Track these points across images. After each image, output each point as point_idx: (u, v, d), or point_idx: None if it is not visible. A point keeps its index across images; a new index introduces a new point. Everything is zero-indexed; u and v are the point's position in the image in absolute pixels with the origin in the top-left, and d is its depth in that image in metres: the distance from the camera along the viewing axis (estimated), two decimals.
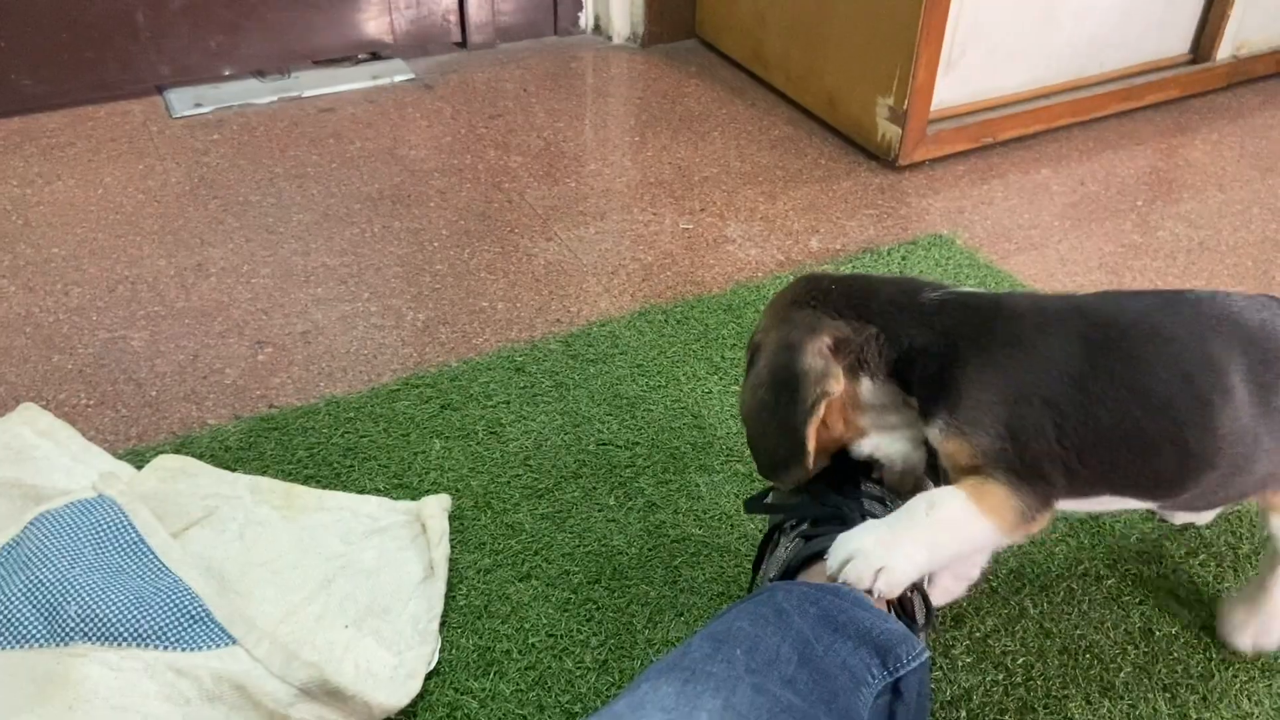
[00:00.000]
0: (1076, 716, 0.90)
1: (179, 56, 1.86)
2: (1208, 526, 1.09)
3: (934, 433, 0.80)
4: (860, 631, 0.72)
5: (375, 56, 2.04)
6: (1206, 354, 0.79)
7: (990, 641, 0.96)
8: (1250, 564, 1.05)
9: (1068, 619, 0.99)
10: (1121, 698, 0.92)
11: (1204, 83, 1.97)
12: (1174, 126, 1.90)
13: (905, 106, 1.66)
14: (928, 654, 0.75)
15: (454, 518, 1.06)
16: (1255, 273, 1.51)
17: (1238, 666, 0.95)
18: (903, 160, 1.72)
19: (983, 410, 0.78)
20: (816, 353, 0.81)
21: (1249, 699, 0.92)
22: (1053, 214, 1.64)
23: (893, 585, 0.77)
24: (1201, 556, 1.06)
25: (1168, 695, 0.92)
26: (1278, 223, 1.63)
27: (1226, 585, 1.02)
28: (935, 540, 0.77)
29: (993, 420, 0.78)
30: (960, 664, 0.94)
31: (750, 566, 1.03)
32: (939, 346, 0.80)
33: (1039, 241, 1.57)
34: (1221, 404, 0.78)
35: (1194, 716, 0.90)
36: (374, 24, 2.01)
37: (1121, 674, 0.94)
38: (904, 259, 1.51)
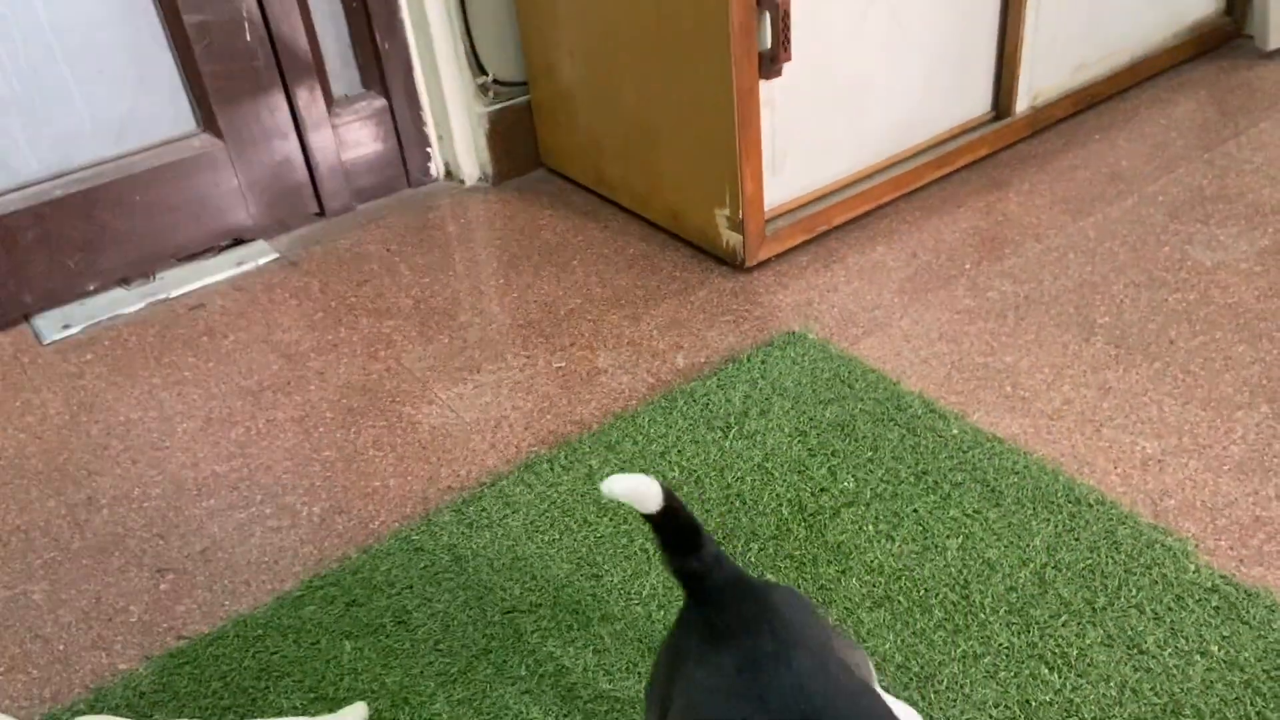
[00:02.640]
0: None
1: (40, 282, 1.89)
2: None
3: None
4: None
5: (238, 241, 2.10)
6: None
7: None
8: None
9: None
10: None
11: (1009, 136, 2.14)
12: (989, 183, 2.06)
13: (741, 215, 1.77)
14: None
15: None
16: (1077, 319, 1.65)
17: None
18: (749, 261, 1.83)
19: None
20: None
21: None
22: (891, 291, 1.77)
23: None
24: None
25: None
26: (1092, 265, 1.78)
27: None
28: None
29: None
30: None
31: None
32: None
33: (883, 321, 1.69)
34: None
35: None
36: (229, 210, 2.06)
37: None
38: (764, 363, 1.61)
